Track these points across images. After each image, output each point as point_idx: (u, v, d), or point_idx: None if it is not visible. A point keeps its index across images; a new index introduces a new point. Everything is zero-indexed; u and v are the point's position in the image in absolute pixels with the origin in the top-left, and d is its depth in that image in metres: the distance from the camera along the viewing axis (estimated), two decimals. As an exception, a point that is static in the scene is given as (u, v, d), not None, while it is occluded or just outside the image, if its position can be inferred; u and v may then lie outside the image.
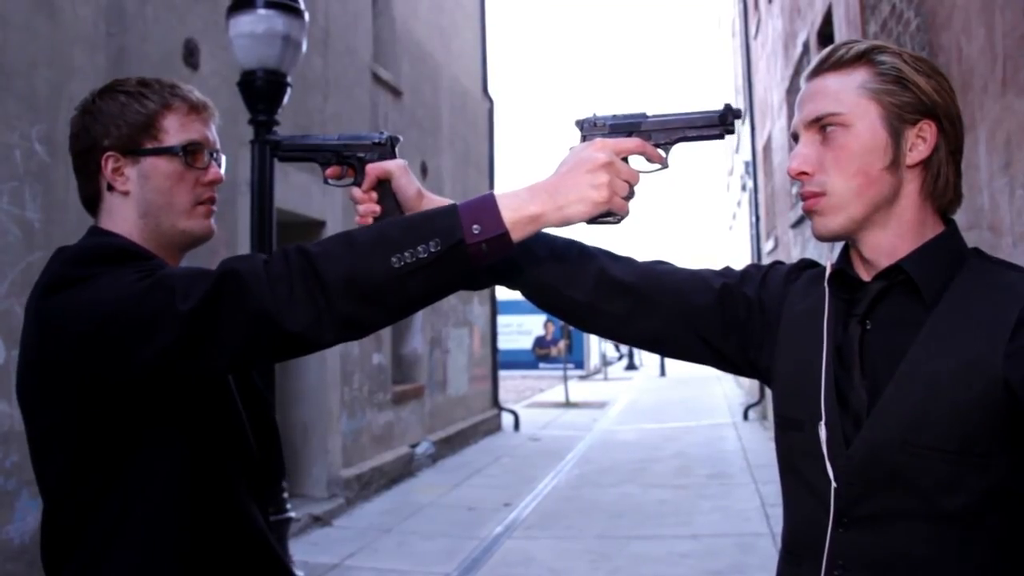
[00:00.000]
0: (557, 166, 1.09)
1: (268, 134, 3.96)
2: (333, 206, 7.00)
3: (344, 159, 1.26)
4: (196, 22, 5.19)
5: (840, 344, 1.09)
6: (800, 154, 1.08)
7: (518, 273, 1.23)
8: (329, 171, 1.27)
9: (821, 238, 1.11)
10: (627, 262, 1.26)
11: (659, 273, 1.24)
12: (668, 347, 1.26)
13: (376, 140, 1.25)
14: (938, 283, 1.04)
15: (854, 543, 1.03)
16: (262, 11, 3.88)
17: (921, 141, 1.04)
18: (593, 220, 1.08)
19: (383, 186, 1.23)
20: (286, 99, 4.03)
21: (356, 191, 1.24)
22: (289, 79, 4.01)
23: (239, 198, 5.29)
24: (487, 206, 1.02)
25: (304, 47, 4.07)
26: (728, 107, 1.13)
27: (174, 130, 1.22)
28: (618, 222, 1.11)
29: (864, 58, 1.05)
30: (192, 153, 1.23)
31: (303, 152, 1.28)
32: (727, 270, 1.27)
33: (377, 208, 1.23)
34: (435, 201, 1.23)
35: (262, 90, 3.94)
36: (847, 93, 1.05)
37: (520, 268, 1.22)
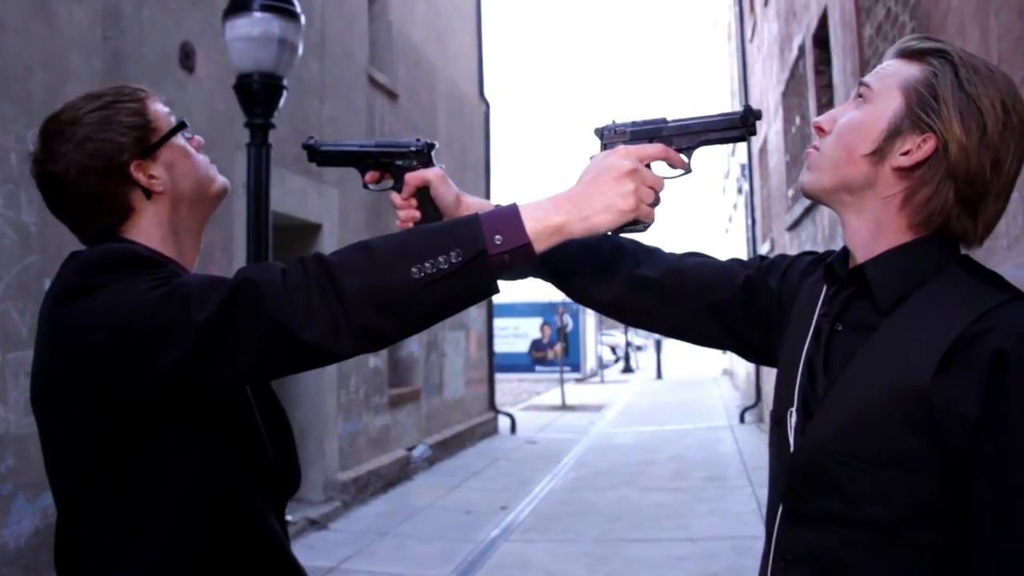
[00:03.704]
0: (580, 175, 1.07)
1: (264, 138, 3.97)
2: (330, 209, 7.00)
3: (382, 165, 1.29)
4: (192, 25, 5.19)
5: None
6: (830, 111, 1.10)
7: (550, 267, 1.26)
8: (368, 176, 1.30)
9: (802, 191, 1.12)
10: (656, 257, 1.28)
11: (686, 267, 1.27)
12: (694, 336, 1.30)
13: (413, 148, 1.27)
14: (897, 290, 1.01)
15: (799, 539, 1.04)
16: (258, 14, 3.87)
17: (916, 150, 1.01)
18: (619, 229, 1.07)
19: (422, 193, 1.26)
20: (282, 102, 4.03)
21: (396, 197, 1.27)
22: (285, 82, 4.01)
23: (235, 201, 5.27)
24: (510, 216, 1.01)
25: (300, 50, 4.07)
26: (748, 108, 1.12)
27: (161, 115, 1.23)
28: (644, 229, 1.09)
29: (924, 56, 1.04)
30: (183, 127, 1.26)
31: (341, 158, 1.31)
32: (754, 260, 1.28)
33: (417, 214, 1.26)
34: (474, 205, 1.27)
35: (258, 93, 3.94)
36: (891, 78, 1.05)
37: (552, 263, 1.24)
